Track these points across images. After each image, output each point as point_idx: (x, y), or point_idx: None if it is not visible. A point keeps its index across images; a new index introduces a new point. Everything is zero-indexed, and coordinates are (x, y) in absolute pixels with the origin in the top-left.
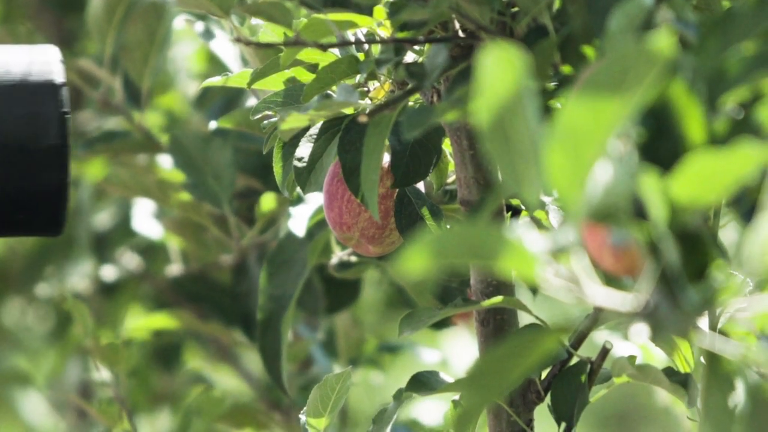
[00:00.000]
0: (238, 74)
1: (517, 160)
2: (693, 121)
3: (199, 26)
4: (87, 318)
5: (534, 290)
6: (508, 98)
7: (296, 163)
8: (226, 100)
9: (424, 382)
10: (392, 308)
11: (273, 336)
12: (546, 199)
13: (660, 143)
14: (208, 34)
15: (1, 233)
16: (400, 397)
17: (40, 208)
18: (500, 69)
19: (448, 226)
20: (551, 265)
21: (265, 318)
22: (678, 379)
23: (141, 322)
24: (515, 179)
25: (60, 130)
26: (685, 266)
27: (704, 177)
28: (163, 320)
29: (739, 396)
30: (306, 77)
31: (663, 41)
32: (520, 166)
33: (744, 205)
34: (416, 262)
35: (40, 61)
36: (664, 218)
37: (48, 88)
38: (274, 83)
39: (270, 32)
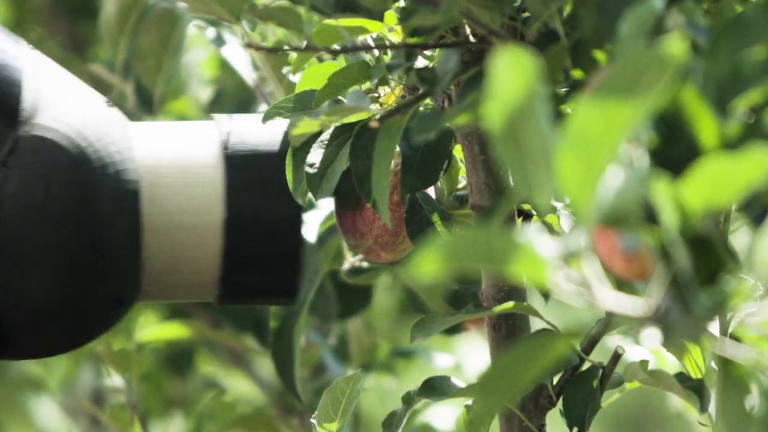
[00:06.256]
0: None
1: (529, 164)
2: (705, 126)
3: (211, 32)
4: None
5: (546, 295)
6: (519, 102)
7: (308, 169)
8: (238, 105)
9: (435, 387)
10: (405, 313)
11: (286, 343)
12: (557, 204)
13: (672, 148)
14: (219, 41)
15: (237, 301)
16: (409, 400)
17: (274, 275)
18: (512, 73)
19: (458, 231)
20: (562, 269)
21: (278, 325)
22: (690, 385)
23: (153, 332)
24: (526, 183)
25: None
26: (696, 271)
27: (716, 181)
28: (175, 329)
29: (754, 399)
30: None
31: (675, 46)
32: (531, 170)
33: (755, 209)
34: (428, 265)
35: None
36: (675, 223)
37: (282, 156)
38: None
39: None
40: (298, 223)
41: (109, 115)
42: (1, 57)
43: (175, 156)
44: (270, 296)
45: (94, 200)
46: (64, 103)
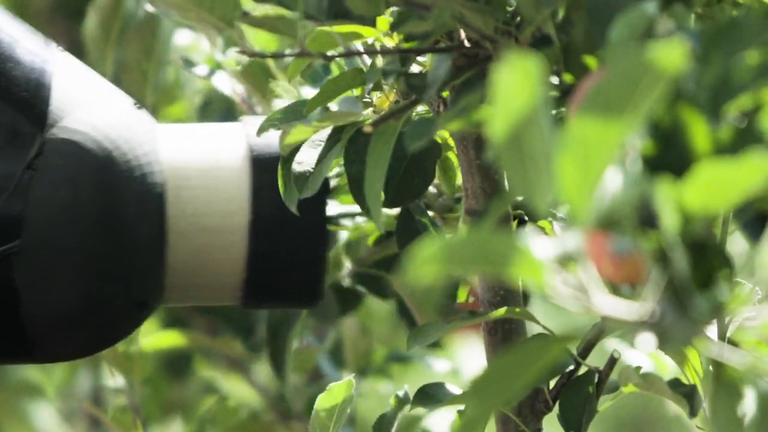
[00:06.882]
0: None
1: (531, 170)
2: (698, 131)
3: (203, 70)
4: None
5: (526, 298)
6: (524, 109)
7: (296, 166)
8: (227, 109)
9: (430, 395)
10: (402, 318)
11: (279, 344)
12: (555, 210)
13: (665, 153)
14: (211, 73)
15: (261, 304)
16: (398, 403)
17: (299, 278)
18: (517, 79)
19: (456, 234)
20: (559, 273)
21: (273, 328)
22: (681, 390)
23: (152, 340)
24: (528, 189)
25: (319, 205)
26: (693, 275)
27: (715, 186)
28: (173, 338)
29: (747, 405)
30: None
31: (673, 53)
32: (533, 176)
33: (746, 215)
34: (428, 268)
35: None
36: (675, 227)
37: None
38: None
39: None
40: (323, 226)
41: (136, 117)
42: (30, 59)
43: (202, 158)
44: (294, 299)
45: (120, 203)
46: (91, 106)
